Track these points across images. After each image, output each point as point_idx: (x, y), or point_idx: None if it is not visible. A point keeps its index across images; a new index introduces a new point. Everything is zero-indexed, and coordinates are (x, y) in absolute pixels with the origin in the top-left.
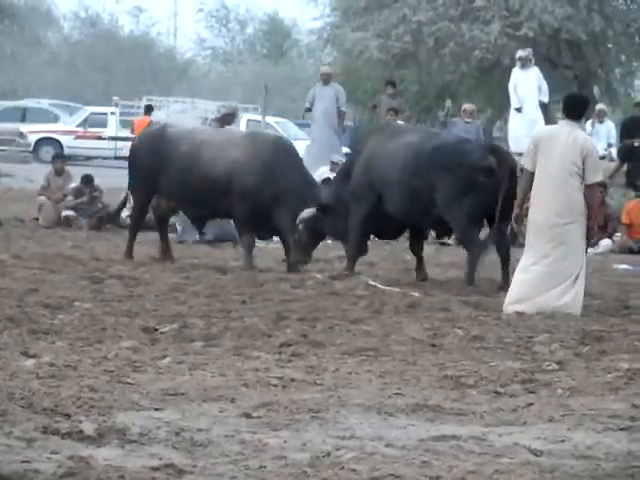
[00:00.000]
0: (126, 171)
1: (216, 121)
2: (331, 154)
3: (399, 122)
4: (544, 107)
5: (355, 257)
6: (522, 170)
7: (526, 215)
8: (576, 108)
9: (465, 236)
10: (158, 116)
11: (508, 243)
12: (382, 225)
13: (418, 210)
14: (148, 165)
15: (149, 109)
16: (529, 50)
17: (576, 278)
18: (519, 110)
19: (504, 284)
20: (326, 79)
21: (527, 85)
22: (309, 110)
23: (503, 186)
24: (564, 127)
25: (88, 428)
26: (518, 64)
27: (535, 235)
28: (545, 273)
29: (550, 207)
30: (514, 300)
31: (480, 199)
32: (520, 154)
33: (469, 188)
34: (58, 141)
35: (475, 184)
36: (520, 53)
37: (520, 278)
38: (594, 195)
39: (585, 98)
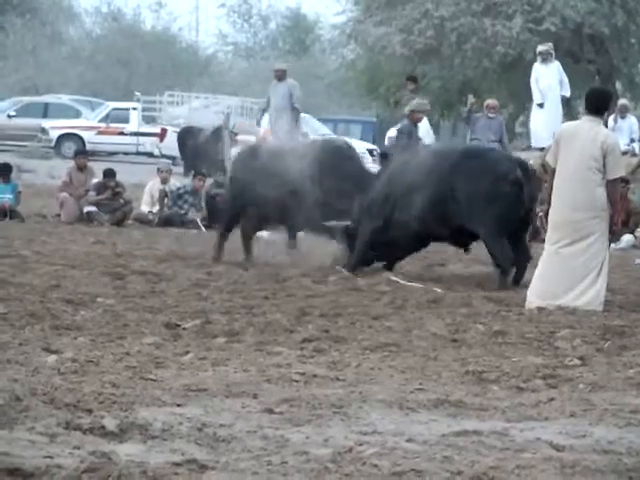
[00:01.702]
0: (148, 166)
1: (407, 118)
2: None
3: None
4: (566, 102)
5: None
6: (543, 166)
7: None
8: (598, 103)
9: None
10: (179, 111)
11: (528, 256)
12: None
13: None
14: (239, 178)
15: None
16: (549, 44)
17: (598, 274)
18: (541, 106)
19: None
20: (280, 76)
21: (548, 80)
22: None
23: (528, 200)
24: (585, 123)
25: (110, 424)
26: (539, 59)
27: (555, 230)
28: (565, 269)
29: (570, 202)
30: (536, 296)
31: (508, 210)
32: (541, 149)
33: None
34: (80, 137)
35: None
36: (540, 48)
37: (541, 273)
38: (616, 190)
39: (607, 93)
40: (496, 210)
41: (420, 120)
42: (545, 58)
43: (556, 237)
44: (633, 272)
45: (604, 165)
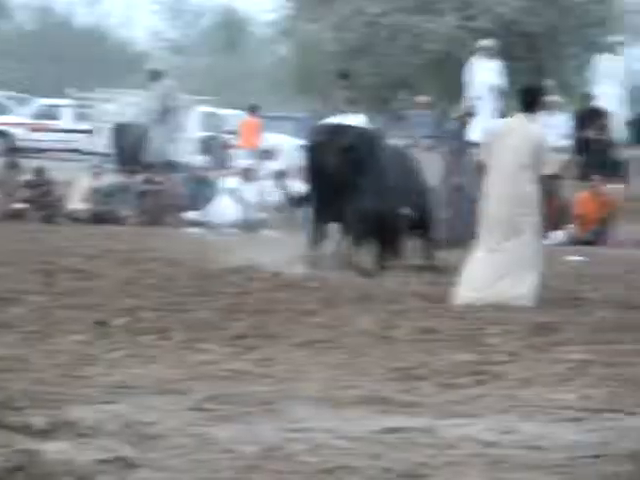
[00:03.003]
0: (79, 163)
1: (457, 119)
2: (167, 147)
3: (357, 113)
4: (501, 98)
5: None
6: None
7: None
8: (530, 100)
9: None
10: (112, 108)
11: (352, 225)
12: None
13: None
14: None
15: (254, 109)
16: (492, 40)
17: (529, 269)
18: (478, 100)
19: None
20: (153, 76)
21: (487, 75)
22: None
23: (330, 164)
24: (518, 119)
25: (38, 422)
26: (480, 53)
27: (488, 226)
28: (497, 264)
29: (503, 199)
30: (466, 290)
31: (313, 175)
32: (477, 143)
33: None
34: (10, 134)
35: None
36: (483, 43)
37: (472, 268)
38: (547, 187)
39: (539, 90)
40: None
41: (469, 123)
42: (486, 53)
43: (489, 233)
44: (563, 268)
45: (535, 162)
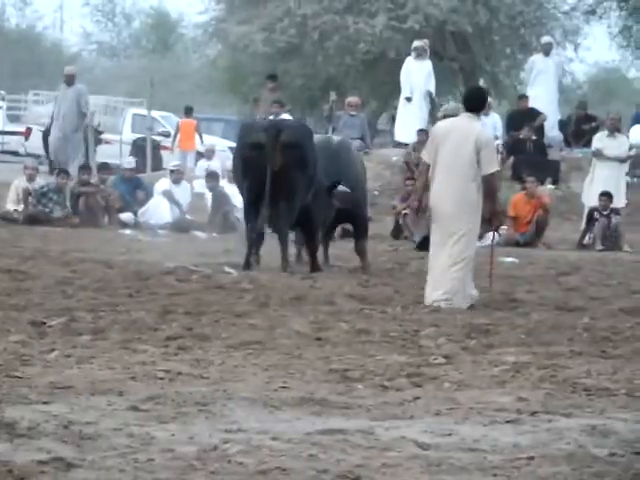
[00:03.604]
0: (13, 165)
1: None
2: (72, 154)
3: (284, 115)
4: (431, 99)
5: None
6: (407, 163)
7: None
8: (475, 101)
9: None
10: (44, 110)
11: (283, 223)
12: None
13: None
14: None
15: (190, 110)
16: (425, 41)
17: (462, 269)
18: (409, 100)
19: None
20: (68, 80)
21: (419, 76)
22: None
23: (272, 162)
24: (461, 120)
25: None
26: (413, 54)
27: (435, 226)
28: (432, 261)
29: (444, 198)
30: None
31: (251, 175)
32: (406, 144)
33: (243, 164)
34: None
35: (245, 160)
36: (416, 43)
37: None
38: (492, 185)
39: (484, 91)
40: (242, 173)
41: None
42: (420, 54)
43: (434, 231)
44: (498, 270)
45: (478, 161)
